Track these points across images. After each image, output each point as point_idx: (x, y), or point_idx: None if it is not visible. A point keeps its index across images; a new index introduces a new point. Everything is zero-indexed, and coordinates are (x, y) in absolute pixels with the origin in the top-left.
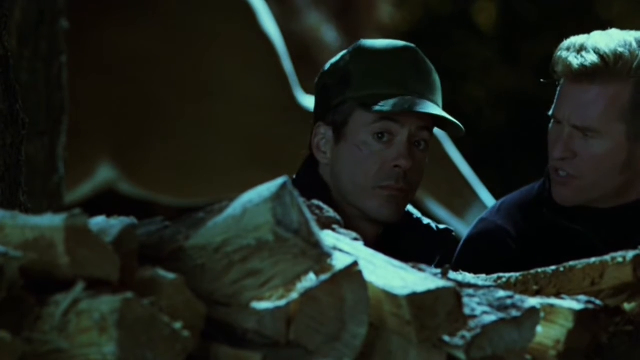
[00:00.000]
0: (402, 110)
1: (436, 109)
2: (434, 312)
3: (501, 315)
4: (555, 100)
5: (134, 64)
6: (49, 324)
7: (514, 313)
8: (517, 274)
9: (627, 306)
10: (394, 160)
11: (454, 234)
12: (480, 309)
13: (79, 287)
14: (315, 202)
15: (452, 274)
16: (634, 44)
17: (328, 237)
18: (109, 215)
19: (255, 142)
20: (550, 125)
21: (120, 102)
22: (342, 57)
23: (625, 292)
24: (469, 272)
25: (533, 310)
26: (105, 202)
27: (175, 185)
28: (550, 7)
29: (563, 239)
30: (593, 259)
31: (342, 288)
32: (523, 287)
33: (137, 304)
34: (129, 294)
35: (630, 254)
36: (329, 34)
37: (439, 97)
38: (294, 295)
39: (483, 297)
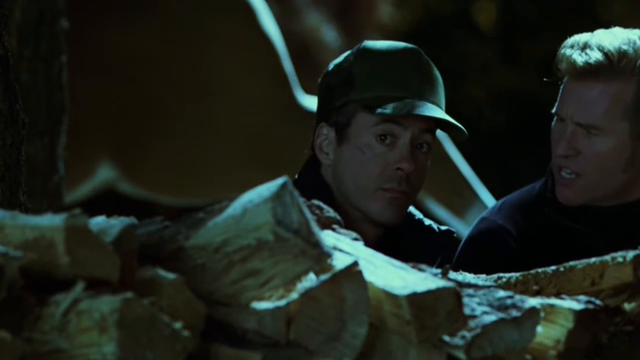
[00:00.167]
0: (405, 113)
1: (439, 112)
2: (434, 312)
3: (501, 315)
4: (558, 98)
5: (134, 64)
6: (49, 324)
7: (514, 313)
8: (517, 274)
9: (627, 306)
10: (397, 163)
11: (455, 235)
12: (480, 309)
13: (79, 287)
14: (316, 202)
15: (452, 274)
16: (638, 42)
17: (328, 237)
18: (109, 215)
19: (255, 142)
20: (554, 122)
21: (120, 102)
22: (346, 58)
23: (626, 292)
24: (470, 271)
25: (533, 310)
26: (105, 202)
27: (175, 185)
28: (550, 7)
29: (564, 238)
30: (593, 259)
31: (342, 288)
32: (523, 287)
33: (137, 303)
34: (129, 294)
35: (631, 254)
36: (329, 34)
37: (442, 100)
38: (294, 295)
39: (483, 297)
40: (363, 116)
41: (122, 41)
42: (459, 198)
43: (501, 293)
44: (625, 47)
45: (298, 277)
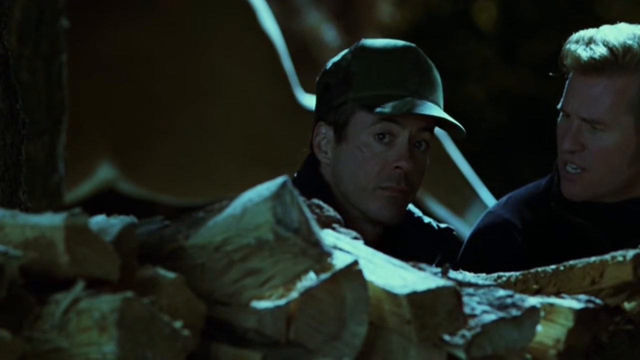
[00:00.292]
0: (404, 112)
1: (437, 111)
2: (434, 311)
3: (501, 314)
4: (564, 93)
5: (134, 64)
6: (49, 323)
7: (514, 312)
8: (517, 273)
9: (627, 305)
10: (395, 162)
11: (454, 233)
12: (480, 308)
13: (79, 286)
14: (315, 201)
15: (452, 273)
16: None
17: (328, 236)
18: (109, 214)
19: (255, 142)
20: (559, 118)
21: (120, 102)
22: (344, 56)
23: (626, 291)
24: (476, 265)
25: (533, 309)
26: (105, 201)
27: (175, 184)
28: (550, 6)
29: (570, 233)
30: (593, 258)
31: (342, 287)
32: (523, 286)
33: (137, 303)
34: (129, 293)
35: (631, 253)
36: (329, 33)
37: (440, 98)
38: (294, 294)
39: (483, 296)
40: (361, 115)
41: (122, 41)
42: (459, 197)
43: (501, 292)
44: (630, 42)
45: (298, 276)
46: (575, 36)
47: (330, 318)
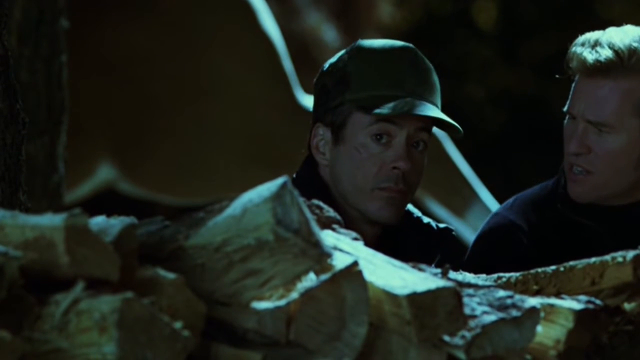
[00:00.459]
0: (401, 113)
1: (434, 111)
2: (434, 311)
3: (501, 315)
4: (570, 96)
5: (134, 64)
6: (49, 323)
7: (514, 313)
8: (517, 274)
9: (627, 306)
10: (393, 162)
11: (454, 232)
12: (480, 309)
13: (79, 286)
14: (315, 201)
15: (452, 274)
16: None
17: (328, 237)
18: (109, 215)
19: (255, 142)
20: (566, 120)
21: (121, 102)
22: (341, 57)
23: (626, 291)
24: (482, 267)
25: (533, 310)
26: (105, 202)
27: (175, 185)
28: (550, 6)
29: (576, 235)
30: (593, 259)
31: (342, 288)
32: (523, 287)
33: (137, 303)
34: (129, 294)
35: (631, 254)
36: (329, 33)
37: (438, 98)
38: (294, 294)
39: (483, 296)
40: (358, 116)
41: (122, 41)
42: (459, 197)
43: (501, 293)
44: (635, 45)
45: (298, 276)
46: (581, 39)
47: (330, 318)
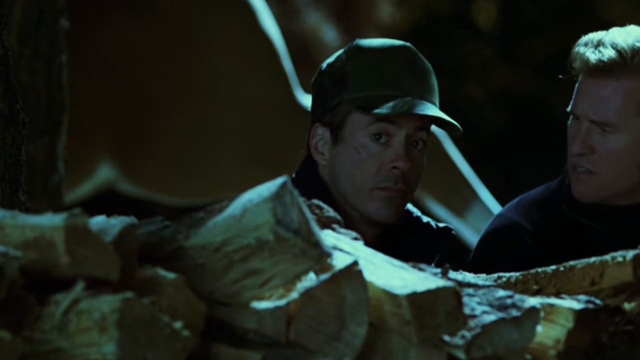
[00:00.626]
0: (400, 113)
1: (433, 110)
2: (434, 311)
3: (501, 314)
4: (573, 96)
5: (134, 64)
6: (49, 323)
7: (514, 313)
8: (517, 274)
9: (627, 306)
10: (392, 162)
11: (453, 232)
12: (480, 309)
13: (79, 286)
14: (315, 201)
15: (452, 274)
16: None
17: (328, 237)
18: (109, 215)
19: (255, 142)
20: (569, 121)
21: (121, 102)
22: (339, 57)
23: (626, 291)
24: (486, 268)
25: (533, 309)
26: (105, 202)
27: (175, 184)
28: (550, 6)
29: (580, 235)
30: (593, 259)
31: (342, 288)
32: (523, 287)
33: (137, 303)
34: (129, 294)
35: (630, 254)
36: (329, 33)
37: (436, 97)
38: (294, 294)
39: (483, 296)
40: (357, 116)
41: (122, 41)
42: (459, 197)
43: (501, 293)
44: (638, 45)
45: (298, 276)
46: (584, 39)
47: (330, 318)
